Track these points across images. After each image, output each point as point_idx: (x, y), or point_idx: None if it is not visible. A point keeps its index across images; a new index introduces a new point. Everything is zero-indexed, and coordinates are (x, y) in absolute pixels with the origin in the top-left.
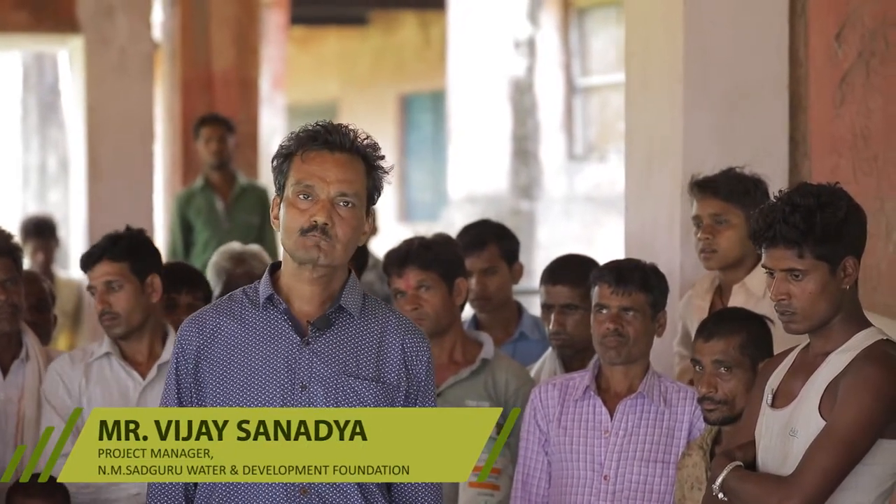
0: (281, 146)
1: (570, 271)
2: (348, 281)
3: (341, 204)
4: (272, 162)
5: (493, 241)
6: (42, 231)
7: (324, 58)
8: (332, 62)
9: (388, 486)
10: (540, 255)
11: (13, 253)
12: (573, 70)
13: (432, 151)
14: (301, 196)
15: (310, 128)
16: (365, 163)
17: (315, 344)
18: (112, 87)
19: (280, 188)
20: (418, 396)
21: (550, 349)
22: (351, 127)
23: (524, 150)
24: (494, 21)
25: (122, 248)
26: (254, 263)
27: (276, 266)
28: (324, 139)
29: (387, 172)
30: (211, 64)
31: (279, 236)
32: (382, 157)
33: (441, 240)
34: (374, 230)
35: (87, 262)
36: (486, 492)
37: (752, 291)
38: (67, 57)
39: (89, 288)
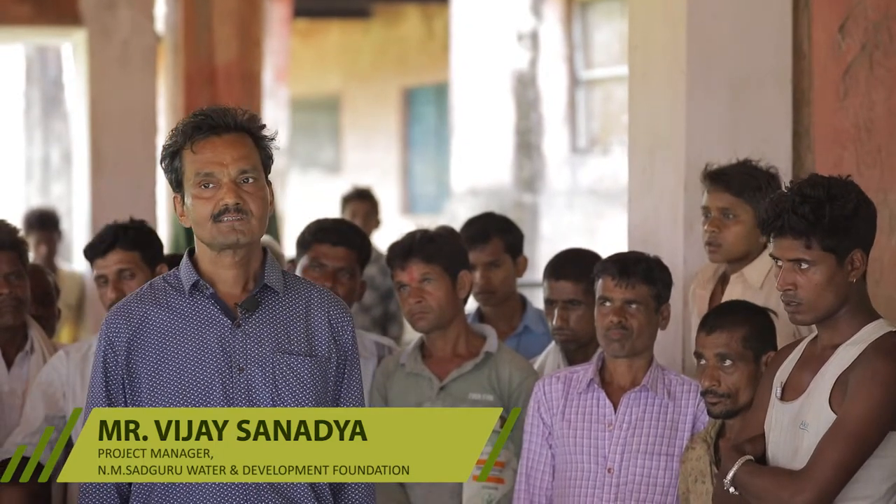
0: (165, 145)
1: (573, 266)
2: (266, 259)
3: (244, 181)
4: (161, 163)
5: (498, 234)
6: (45, 224)
7: (327, 51)
8: (335, 55)
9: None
10: (543, 247)
11: (18, 247)
12: (576, 63)
13: (435, 144)
14: (203, 186)
15: (190, 119)
16: (252, 137)
17: (246, 325)
18: (115, 80)
19: (177, 185)
20: (346, 367)
21: (553, 343)
22: (228, 106)
23: (527, 142)
24: (497, 14)
25: (132, 237)
26: None
27: (191, 251)
28: (209, 125)
29: (272, 140)
30: (214, 57)
31: (194, 231)
32: (264, 127)
33: (444, 233)
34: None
35: (97, 251)
36: (490, 485)
37: (750, 283)
38: (70, 50)
39: (99, 277)
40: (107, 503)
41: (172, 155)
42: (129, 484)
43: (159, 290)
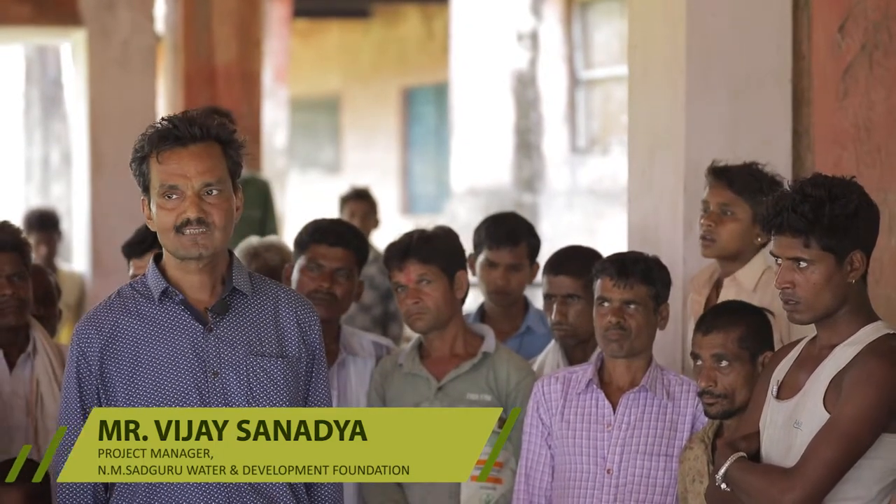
0: (135, 149)
1: (573, 262)
2: (233, 262)
3: (207, 193)
4: (130, 165)
5: (526, 238)
6: (45, 224)
7: (326, 51)
8: (334, 55)
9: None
10: (543, 247)
11: (21, 248)
12: (576, 63)
13: (435, 144)
14: (167, 197)
15: (159, 126)
16: (220, 144)
17: (218, 330)
18: (114, 81)
19: (145, 189)
20: (313, 366)
21: (553, 341)
22: (196, 113)
23: (527, 142)
24: (497, 14)
25: None
26: (268, 256)
27: (158, 257)
28: (174, 136)
29: (243, 146)
30: (213, 57)
31: (158, 236)
32: (234, 131)
33: (442, 233)
34: (377, 220)
35: (137, 250)
36: (488, 485)
37: (744, 286)
38: (70, 50)
39: (135, 275)
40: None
41: (140, 160)
42: (108, 486)
43: (128, 298)
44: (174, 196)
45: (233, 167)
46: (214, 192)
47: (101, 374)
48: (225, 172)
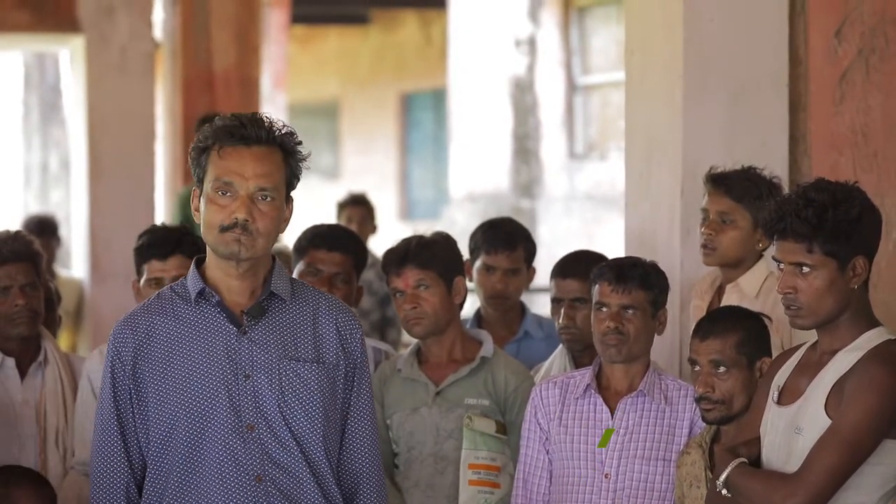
0: (197, 139)
1: (581, 266)
2: (274, 267)
3: (261, 198)
4: (189, 154)
5: (522, 243)
6: (43, 230)
7: (325, 56)
8: (333, 61)
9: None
10: (541, 253)
11: (34, 258)
12: (574, 68)
13: (433, 150)
14: (220, 192)
15: (227, 121)
16: (283, 152)
17: (252, 332)
18: (113, 87)
19: (199, 181)
20: (355, 373)
21: (561, 346)
22: (267, 117)
23: (525, 148)
24: (495, 19)
25: (189, 243)
26: None
27: (200, 260)
28: (240, 134)
29: (304, 159)
30: (212, 63)
31: (202, 231)
32: (299, 143)
33: (440, 238)
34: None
35: (157, 253)
36: (486, 490)
37: (746, 292)
38: (68, 56)
39: (151, 279)
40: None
41: (200, 151)
42: (141, 483)
43: (166, 299)
44: (227, 193)
45: (290, 177)
46: (268, 198)
47: (133, 375)
48: (281, 181)
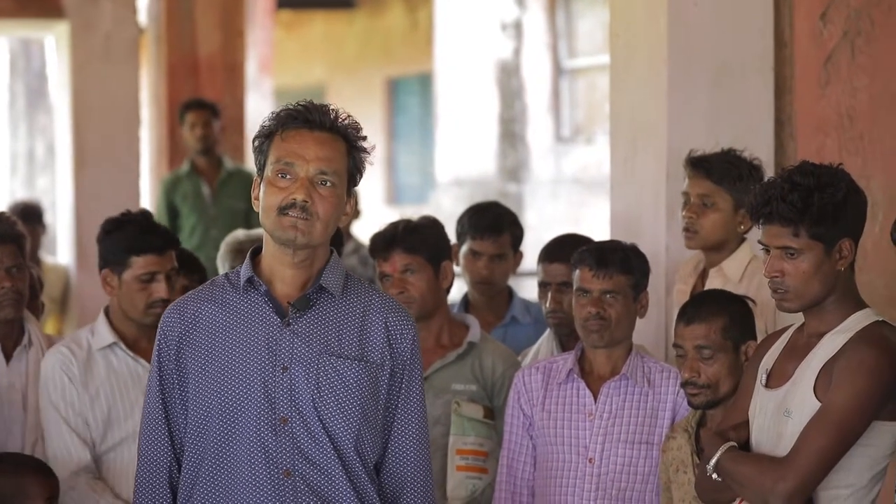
0: (262, 126)
1: (567, 250)
2: (330, 261)
3: (321, 182)
4: (253, 142)
5: (509, 227)
6: (29, 217)
7: (311, 41)
8: (318, 46)
9: (378, 469)
10: (528, 237)
11: (18, 240)
12: (560, 52)
13: (420, 134)
14: (280, 174)
15: (291, 106)
16: (346, 143)
17: (295, 325)
18: (97, 73)
19: (261, 168)
20: (404, 375)
21: (548, 331)
22: (333, 107)
23: (511, 132)
24: (481, 3)
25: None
26: None
27: (257, 250)
28: (304, 118)
29: (368, 153)
30: (197, 48)
31: (260, 217)
32: (364, 138)
33: (427, 223)
34: (355, 213)
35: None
36: (474, 475)
37: (729, 276)
38: (53, 42)
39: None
40: (160, 501)
41: (264, 137)
42: (178, 474)
43: (218, 286)
44: (287, 176)
45: (353, 170)
46: (328, 183)
47: (177, 360)
48: (343, 170)
